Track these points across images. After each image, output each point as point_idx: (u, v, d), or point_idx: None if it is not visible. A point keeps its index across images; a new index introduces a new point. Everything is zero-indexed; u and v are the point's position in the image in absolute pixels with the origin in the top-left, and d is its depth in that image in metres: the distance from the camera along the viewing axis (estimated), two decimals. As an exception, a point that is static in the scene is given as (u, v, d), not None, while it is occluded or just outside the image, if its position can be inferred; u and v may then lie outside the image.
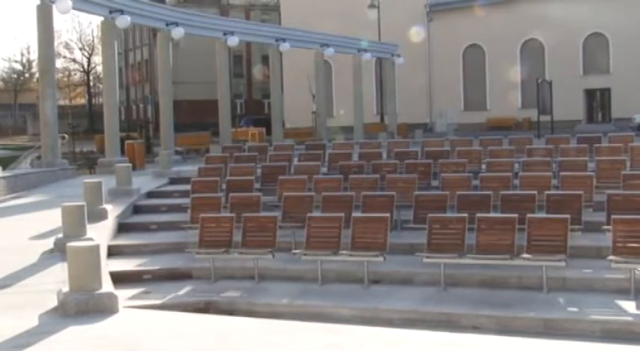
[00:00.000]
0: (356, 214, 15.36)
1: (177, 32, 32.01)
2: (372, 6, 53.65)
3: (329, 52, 42.27)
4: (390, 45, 48.78)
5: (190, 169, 24.05)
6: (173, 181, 23.07)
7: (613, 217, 13.44)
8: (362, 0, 53.97)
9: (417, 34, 54.23)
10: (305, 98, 54.66)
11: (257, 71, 67.34)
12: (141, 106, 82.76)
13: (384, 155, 23.35)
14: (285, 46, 39.19)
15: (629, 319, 11.75)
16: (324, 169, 21.74)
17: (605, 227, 13.95)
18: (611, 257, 12.69)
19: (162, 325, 9.73)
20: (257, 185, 19.84)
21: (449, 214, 15.13)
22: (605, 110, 52.20)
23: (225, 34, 35.33)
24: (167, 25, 31.86)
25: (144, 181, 22.71)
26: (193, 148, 37.46)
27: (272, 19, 76.76)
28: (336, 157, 22.28)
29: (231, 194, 17.84)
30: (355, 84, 45.23)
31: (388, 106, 49.20)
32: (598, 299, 12.53)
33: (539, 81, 42.65)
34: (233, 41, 35.48)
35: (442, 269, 13.51)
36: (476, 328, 11.95)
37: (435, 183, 18.86)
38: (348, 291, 13.79)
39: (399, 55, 48.52)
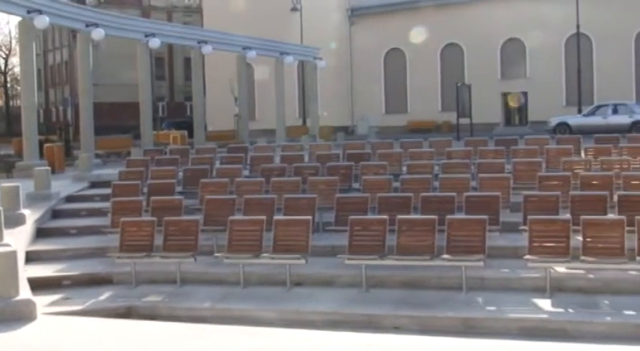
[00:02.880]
0: (278, 216, 15.37)
1: (98, 33, 31.54)
2: (294, 9, 53.80)
3: (251, 55, 42.17)
4: (312, 48, 48.97)
5: (111, 172, 23.75)
6: (93, 184, 22.71)
7: (529, 217, 13.75)
8: (284, 3, 54.09)
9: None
10: (227, 101, 54.46)
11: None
12: (60, 108, 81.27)
13: (306, 158, 23.43)
14: (207, 49, 38.98)
15: (545, 316, 12.04)
16: (246, 172, 21.72)
17: (522, 227, 14.25)
18: (527, 257, 12.97)
19: (82, 331, 9.61)
20: (179, 188, 19.71)
21: (370, 216, 15.25)
22: (522, 113, 53.38)
23: (146, 36, 34.96)
24: (87, 26, 31.36)
25: (63, 185, 22.30)
26: (114, 151, 36.89)
27: (194, 21, 76.20)
28: (258, 160, 22.26)
29: (152, 198, 17.69)
30: (277, 87, 45.26)
31: (310, 109, 49.38)
32: (515, 298, 12.79)
33: (459, 84, 43.44)
34: (154, 43, 35.13)
35: (364, 270, 13.63)
36: (397, 329, 12.07)
37: (356, 185, 18.98)
38: (270, 294, 13.80)
39: (320, 59, 48.74)
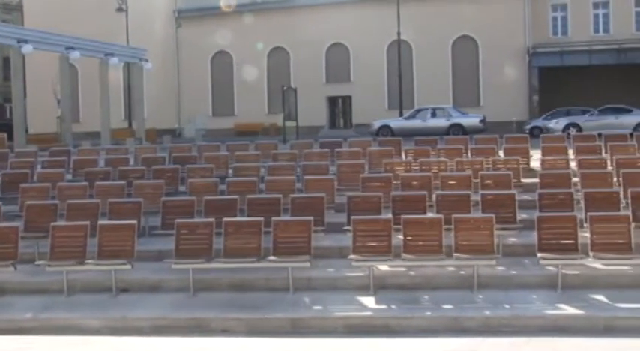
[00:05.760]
0: (102, 221, 15.08)
1: None
2: (119, 9, 52.73)
3: (74, 55, 41.01)
4: (138, 50, 48.22)
5: None
6: None
7: (353, 217, 14.11)
8: (110, 3, 52.98)
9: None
10: (50, 103, 52.73)
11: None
12: None
13: (132, 161, 23.04)
14: (27, 49, 37.52)
15: (369, 313, 12.41)
16: (69, 176, 21.13)
17: (346, 228, 14.54)
18: (351, 256, 13.31)
19: None
20: (-3, 194, 18.98)
21: (196, 219, 15.20)
22: (346, 117, 54.59)
23: (-40, 34, 33.36)
24: None
25: None
26: None
27: (14, 19, 73.20)
28: (81, 164, 21.71)
29: (-32, 205, 16.94)
30: (102, 89, 44.27)
31: (136, 112, 48.57)
32: (341, 296, 13.07)
33: (285, 88, 43.94)
34: (-31, 42, 33.59)
35: (191, 274, 13.57)
36: (225, 331, 12.11)
37: (182, 188, 18.89)
38: (96, 301, 13.49)
39: (147, 60, 48.06)
